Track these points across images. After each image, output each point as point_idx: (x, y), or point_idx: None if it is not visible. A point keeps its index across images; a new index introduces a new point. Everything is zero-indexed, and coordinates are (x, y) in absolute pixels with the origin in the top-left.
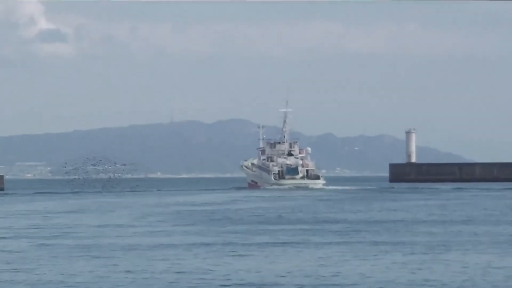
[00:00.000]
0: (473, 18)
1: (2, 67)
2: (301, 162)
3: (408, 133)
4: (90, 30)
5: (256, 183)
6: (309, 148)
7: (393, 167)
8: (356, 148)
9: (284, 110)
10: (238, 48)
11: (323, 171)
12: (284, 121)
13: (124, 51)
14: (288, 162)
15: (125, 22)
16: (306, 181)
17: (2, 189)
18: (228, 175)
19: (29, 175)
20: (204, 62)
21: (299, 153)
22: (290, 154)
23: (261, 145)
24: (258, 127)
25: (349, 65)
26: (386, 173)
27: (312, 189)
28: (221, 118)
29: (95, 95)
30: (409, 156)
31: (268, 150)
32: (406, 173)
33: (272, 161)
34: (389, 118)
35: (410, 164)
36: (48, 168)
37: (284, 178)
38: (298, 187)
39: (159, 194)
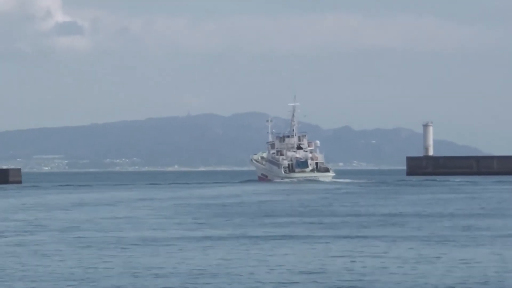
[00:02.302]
0: (490, 11)
1: (18, 60)
2: (310, 155)
3: (425, 126)
4: (107, 23)
5: (266, 176)
6: (318, 141)
7: (410, 160)
8: (373, 141)
9: (293, 104)
10: (254, 42)
11: (340, 164)
12: (293, 115)
13: (141, 44)
14: (297, 155)
15: (141, 15)
16: (315, 174)
17: (20, 182)
18: (245, 168)
19: (46, 168)
20: (221, 55)
21: (308, 146)
22: (299, 148)
23: (270, 139)
24: (267, 121)
25: (366, 59)
26: (403, 166)
27: (322, 182)
28: (238, 111)
29: (111, 88)
30: (426, 149)
31: (277, 144)
32: (423, 166)
33: (281, 154)
34: (406, 111)
35: (427, 157)
36: (66, 161)
37: (294, 171)
38: (308, 180)
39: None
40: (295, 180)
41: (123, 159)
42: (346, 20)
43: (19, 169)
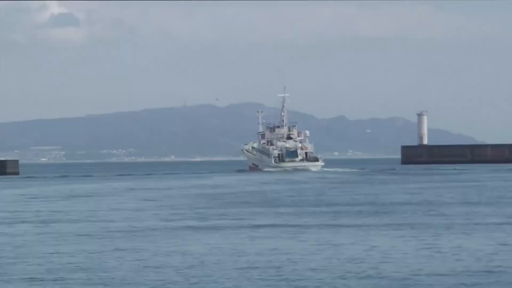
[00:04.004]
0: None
1: (14, 52)
2: (300, 145)
3: (419, 115)
4: (102, 14)
5: (257, 166)
6: (307, 131)
7: (405, 149)
8: (368, 131)
9: (282, 95)
10: (249, 32)
11: (336, 153)
12: (283, 106)
13: (136, 35)
14: (287, 145)
15: (137, 6)
16: (305, 163)
17: (17, 173)
18: (240, 158)
19: (44, 159)
20: (217, 45)
21: (298, 136)
22: (289, 138)
23: (261, 130)
24: (258, 111)
25: (360, 48)
26: (398, 155)
27: (311, 171)
28: (234, 101)
29: (108, 79)
30: (421, 138)
31: (267, 134)
32: (418, 155)
33: (272, 144)
34: (400, 101)
35: (422, 146)
36: (63, 152)
37: (284, 161)
38: (297, 169)
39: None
40: (284, 169)
41: (120, 150)
42: (341, 9)
43: (17, 161)
